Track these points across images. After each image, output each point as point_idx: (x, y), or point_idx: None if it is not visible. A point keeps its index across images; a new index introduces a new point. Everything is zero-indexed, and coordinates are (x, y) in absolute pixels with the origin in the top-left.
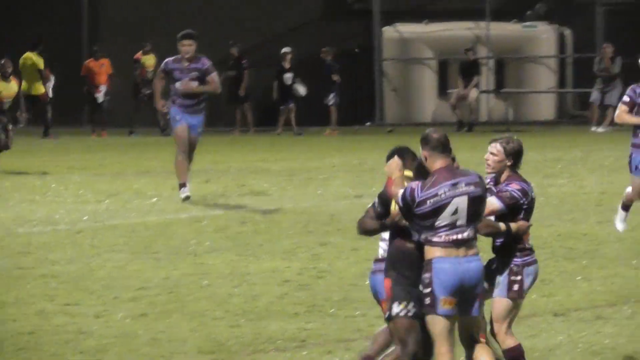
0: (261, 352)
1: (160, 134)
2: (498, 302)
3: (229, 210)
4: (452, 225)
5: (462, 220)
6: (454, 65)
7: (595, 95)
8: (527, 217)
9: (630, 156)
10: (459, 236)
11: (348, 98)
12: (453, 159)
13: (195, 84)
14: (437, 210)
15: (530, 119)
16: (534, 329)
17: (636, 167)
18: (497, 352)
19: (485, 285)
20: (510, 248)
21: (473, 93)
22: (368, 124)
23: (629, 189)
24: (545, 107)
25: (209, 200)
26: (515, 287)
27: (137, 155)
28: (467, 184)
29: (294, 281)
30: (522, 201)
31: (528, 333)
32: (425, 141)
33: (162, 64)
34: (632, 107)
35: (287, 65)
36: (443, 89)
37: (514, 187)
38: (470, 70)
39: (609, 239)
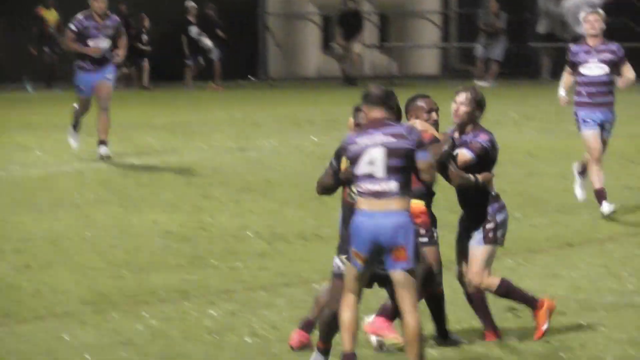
0: (143, 303)
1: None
2: (477, 250)
3: (112, 163)
4: (369, 176)
5: (379, 172)
6: None
7: (479, 50)
8: (491, 168)
9: (576, 114)
10: (376, 187)
11: (232, 53)
12: (436, 110)
13: (107, 42)
14: (355, 159)
15: (415, 74)
16: None
17: (584, 121)
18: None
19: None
20: (481, 198)
21: (356, 47)
22: (252, 78)
23: (586, 154)
24: (429, 61)
25: (92, 154)
26: (490, 234)
27: (22, 110)
28: (386, 135)
29: (176, 233)
30: (491, 152)
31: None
32: (363, 96)
33: (75, 22)
34: (573, 67)
35: (192, 19)
36: (327, 44)
37: (483, 138)
38: (351, 22)
39: None
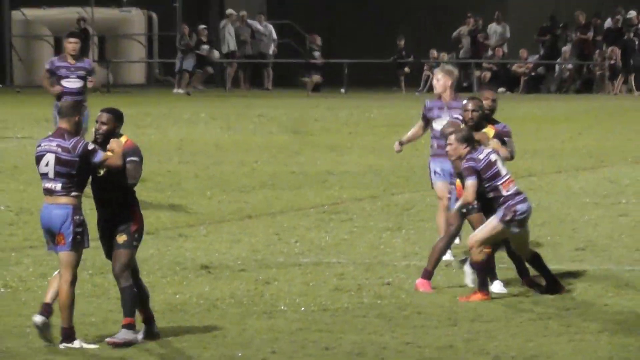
0: None
1: None
2: (488, 222)
3: None
4: (45, 175)
5: (51, 174)
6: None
7: (177, 64)
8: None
9: (429, 166)
10: (48, 185)
11: None
12: None
13: (80, 83)
14: (37, 160)
15: (127, 83)
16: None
17: (435, 172)
18: None
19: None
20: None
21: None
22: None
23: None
24: (137, 73)
25: None
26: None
27: None
28: (58, 146)
29: None
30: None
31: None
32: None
33: (48, 63)
34: (425, 121)
35: None
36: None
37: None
38: (81, 38)
39: (188, 175)
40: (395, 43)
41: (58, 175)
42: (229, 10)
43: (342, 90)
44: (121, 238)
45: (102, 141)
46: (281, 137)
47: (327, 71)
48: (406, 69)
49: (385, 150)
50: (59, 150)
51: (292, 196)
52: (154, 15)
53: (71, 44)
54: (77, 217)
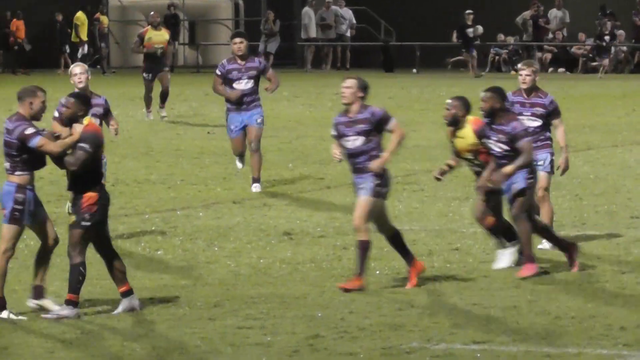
0: None
1: None
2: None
3: None
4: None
5: (2, 152)
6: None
7: (261, 46)
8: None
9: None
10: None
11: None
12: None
13: (251, 83)
14: None
15: (214, 64)
16: (218, 213)
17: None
18: None
19: None
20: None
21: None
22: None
23: None
24: (224, 55)
25: None
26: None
27: None
28: (5, 127)
29: None
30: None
31: (213, 216)
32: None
33: (219, 67)
34: None
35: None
36: None
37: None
38: (172, 23)
39: (271, 148)
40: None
41: (5, 155)
42: None
43: (414, 70)
44: (71, 219)
45: (67, 124)
46: None
47: (401, 53)
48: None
49: None
50: (5, 131)
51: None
52: (241, 2)
53: (236, 45)
54: (19, 195)
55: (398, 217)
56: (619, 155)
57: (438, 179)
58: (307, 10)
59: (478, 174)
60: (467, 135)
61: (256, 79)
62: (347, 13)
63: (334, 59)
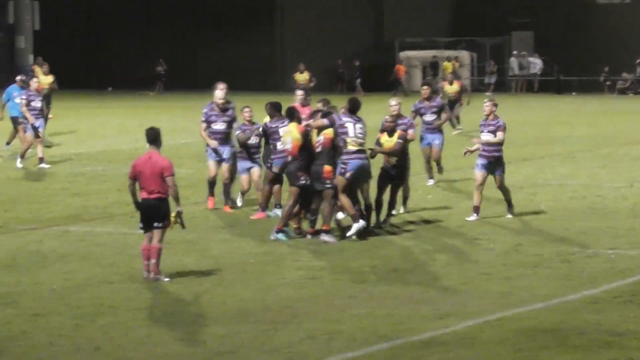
0: None
1: None
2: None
3: None
4: None
5: None
6: None
7: (486, 79)
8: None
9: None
10: None
11: None
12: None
13: (434, 116)
14: None
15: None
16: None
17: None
18: None
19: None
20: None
21: None
22: None
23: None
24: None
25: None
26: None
27: None
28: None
29: None
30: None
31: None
32: None
33: (412, 105)
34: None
35: None
36: None
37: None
38: (433, 67)
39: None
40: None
41: None
42: (515, 52)
43: (574, 93)
44: None
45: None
46: (541, 118)
47: (564, 83)
48: (607, 82)
49: (604, 125)
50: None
51: (547, 148)
52: (475, 55)
53: (423, 90)
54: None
55: None
56: None
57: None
58: (512, 60)
59: None
60: None
61: (437, 115)
62: (537, 60)
63: (528, 86)
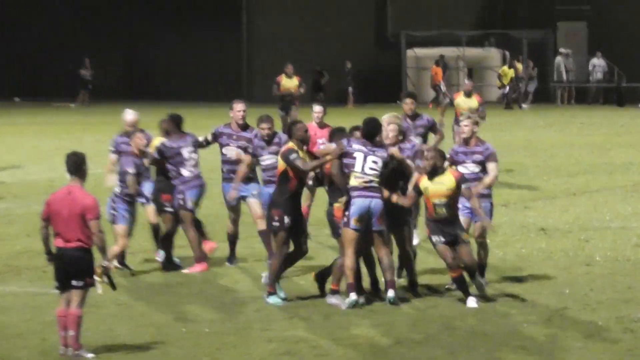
0: None
1: None
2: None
3: None
4: None
5: None
6: None
7: (522, 86)
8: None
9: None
10: None
11: None
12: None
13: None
14: None
15: (487, 100)
16: (498, 214)
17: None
18: None
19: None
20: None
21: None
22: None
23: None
24: (494, 93)
25: None
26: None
27: None
28: None
29: None
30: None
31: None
32: None
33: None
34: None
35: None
36: None
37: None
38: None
39: (530, 165)
40: None
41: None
42: (561, 49)
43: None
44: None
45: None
46: (597, 138)
47: (628, 92)
48: None
49: None
50: None
51: (605, 179)
52: (507, 53)
53: (406, 103)
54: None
55: (627, 217)
56: None
57: None
58: (558, 60)
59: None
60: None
61: (423, 136)
62: (600, 62)
63: (577, 96)
